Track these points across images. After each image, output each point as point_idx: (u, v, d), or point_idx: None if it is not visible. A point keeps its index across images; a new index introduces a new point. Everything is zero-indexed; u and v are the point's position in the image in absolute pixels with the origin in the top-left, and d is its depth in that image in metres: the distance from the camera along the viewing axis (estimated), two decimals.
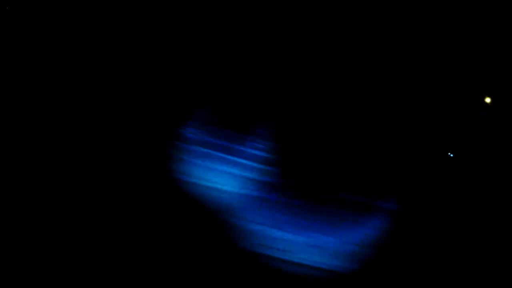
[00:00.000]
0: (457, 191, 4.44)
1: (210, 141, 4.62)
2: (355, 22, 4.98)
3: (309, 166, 4.54)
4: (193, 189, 4.26)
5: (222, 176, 4.43)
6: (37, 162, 4.17)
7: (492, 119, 4.69)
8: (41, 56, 4.81)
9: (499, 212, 4.29)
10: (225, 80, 4.96)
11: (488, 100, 4.32)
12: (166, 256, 3.69)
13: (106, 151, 4.39)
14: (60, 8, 4.98)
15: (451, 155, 4.40)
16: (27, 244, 3.62)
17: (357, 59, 4.96)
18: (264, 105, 4.87)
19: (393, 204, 4.21)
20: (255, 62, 5.00)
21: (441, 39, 4.89)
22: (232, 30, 5.04)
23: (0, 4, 4.63)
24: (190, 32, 5.07)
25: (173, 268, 3.62)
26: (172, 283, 3.54)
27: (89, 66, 4.85)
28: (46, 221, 3.77)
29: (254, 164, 4.52)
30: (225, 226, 3.96)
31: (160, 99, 4.82)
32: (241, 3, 5.01)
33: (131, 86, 4.83)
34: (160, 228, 3.88)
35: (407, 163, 4.59)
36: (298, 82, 4.96)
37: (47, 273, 3.48)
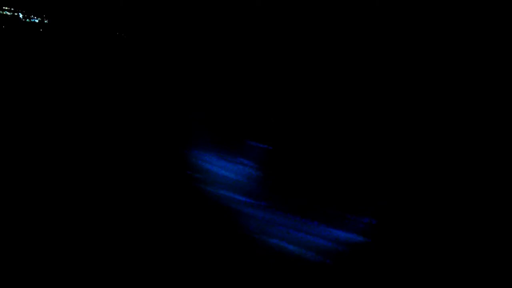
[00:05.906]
0: (454, 191, 4.44)
1: (209, 142, 4.64)
2: (355, 22, 4.97)
3: (305, 167, 4.55)
4: (192, 189, 4.28)
5: (220, 177, 4.45)
6: (43, 162, 4.21)
7: (491, 121, 4.68)
8: (48, 58, 4.84)
9: (498, 213, 4.29)
10: (224, 80, 4.97)
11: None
12: (164, 250, 3.73)
13: (107, 151, 4.43)
14: (61, 9, 5.01)
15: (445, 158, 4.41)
16: (27, 244, 3.66)
17: (357, 59, 4.96)
18: (263, 105, 4.89)
19: (386, 203, 4.23)
20: (255, 62, 5.01)
21: (441, 39, 4.88)
22: (232, 30, 5.05)
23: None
24: (190, 32, 5.08)
25: (171, 259, 3.66)
26: (168, 272, 3.59)
27: (89, 68, 4.88)
28: (53, 219, 3.82)
29: (252, 164, 4.54)
30: (221, 226, 4.00)
31: (160, 99, 4.84)
32: (241, 3, 5.02)
33: (132, 86, 4.86)
34: (158, 225, 3.91)
35: (404, 164, 4.59)
36: (297, 82, 4.97)
37: (48, 273, 3.52)
